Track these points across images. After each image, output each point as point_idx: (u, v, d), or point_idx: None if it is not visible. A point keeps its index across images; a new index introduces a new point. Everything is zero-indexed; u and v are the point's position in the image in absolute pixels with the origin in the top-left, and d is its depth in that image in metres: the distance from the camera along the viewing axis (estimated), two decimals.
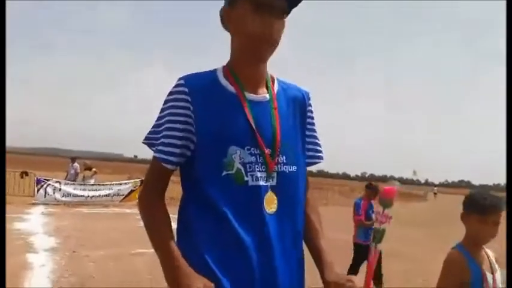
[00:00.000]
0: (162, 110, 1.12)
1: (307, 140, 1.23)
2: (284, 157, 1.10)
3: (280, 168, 1.09)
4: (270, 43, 1.08)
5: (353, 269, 4.87)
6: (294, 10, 1.13)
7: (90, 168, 14.42)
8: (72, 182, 13.34)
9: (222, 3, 1.15)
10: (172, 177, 1.14)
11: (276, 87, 1.19)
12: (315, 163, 1.26)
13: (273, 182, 1.07)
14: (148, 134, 1.15)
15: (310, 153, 1.24)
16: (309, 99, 1.25)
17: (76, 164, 14.44)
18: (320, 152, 1.27)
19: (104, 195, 13.31)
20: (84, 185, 13.43)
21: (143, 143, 1.15)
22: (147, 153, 1.16)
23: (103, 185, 13.80)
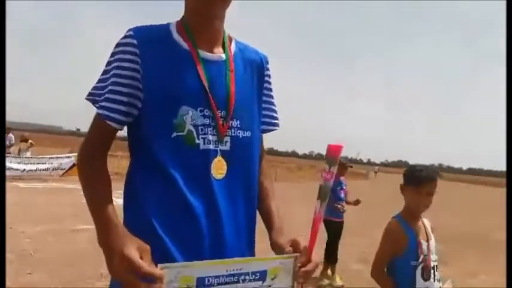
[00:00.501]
0: (108, 64, 1.03)
1: (264, 105, 1.17)
2: (238, 121, 1.05)
3: (234, 132, 1.04)
4: None
5: (331, 246, 4.88)
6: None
7: (26, 140, 13.49)
8: (7, 155, 12.41)
9: None
10: (119, 152, 1.05)
11: (233, 47, 1.13)
12: (271, 130, 1.21)
13: (225, 147, 1.03)
14: (91, 89, 1.05)
15: (266, 120, 1.19)
16: (267, 63, 1.19)
17: (10, 135, 13.38)
18: (276, 118, 1.22)
19: (43, 170, 12.57)
20: (20, 157, 12.55)
21: (86, 99, 1.05)
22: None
23: (42, 158, 13.01)
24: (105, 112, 0.99)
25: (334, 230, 4.90)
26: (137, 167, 1.03)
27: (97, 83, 1.05)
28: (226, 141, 1.03)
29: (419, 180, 1.97)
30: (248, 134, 1.08)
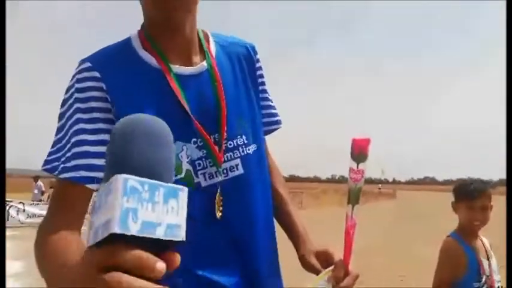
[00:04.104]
0: (62, 115, 0.80)
1: (261, 103, 0.99)
2: (244, 137, 0.88)
3: (243, 151, 0.88)
4: None
5: None
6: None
7: None
8: (37, 202, 12.71)
9: None
10: None
11: (212, 47, 0.92)
12: (273, 130, 1.04)
13: (237, 171, 0.86)
14: (47, 156, 0.79)
15: (266, 119, 1.01)
16: (256, 53, 0.98)
17: (39, 183, 13.80)
18: (276, 115, 1.04)
19: None
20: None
21: (44, 169, 0.79)
22: None
23: None
24: (78, 173, 0.74)
25: None
26: None
27: (52, 146, 0.80)
28: (236, 165, 0.86)
29: (469, 194, 1.88)
30: (255, 146, 0.91)
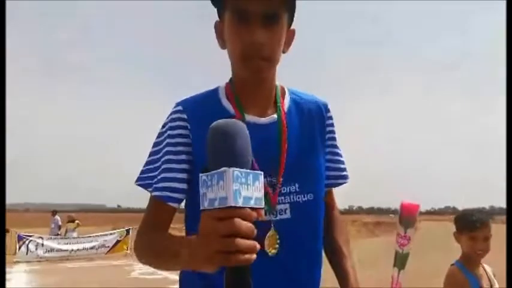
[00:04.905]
0: (156, 144, 1.01)
1: (328, 157, 1.06)
2: (297, 185, 0.97)
3: (293, 198, 0.96)
4: (261, 58, 0.92)
5: None
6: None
7: (73, 221, 14.00)
8: (55, 237, 12.90)
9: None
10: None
11: (286, 102, 1.04)
12: (339, 184, 1.11)
13: (285, 215, 0.95)
14: (141, 173, 1.01)
15: (332, 173, 1.08)
16: (327, 111, 1.08)
17: (57, 217, 14.03)
18: (343, 170, 1.11)
19: (89, 248, 12.83)
20: (67, 238, 12.97)
21: (137, 184, 1.01)
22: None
23: (87, 237, 13.36)
24: (164, 193, 0.94)
25: None
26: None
27: (145, 166, 1.01)
28: (285, 209, 0.95)
29: (472, 226, 1.94)
30: (310, 196, 0.98)
